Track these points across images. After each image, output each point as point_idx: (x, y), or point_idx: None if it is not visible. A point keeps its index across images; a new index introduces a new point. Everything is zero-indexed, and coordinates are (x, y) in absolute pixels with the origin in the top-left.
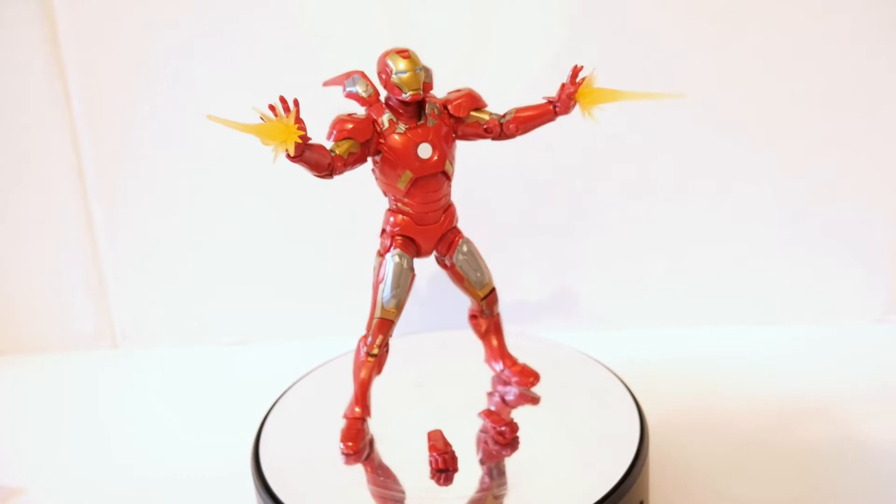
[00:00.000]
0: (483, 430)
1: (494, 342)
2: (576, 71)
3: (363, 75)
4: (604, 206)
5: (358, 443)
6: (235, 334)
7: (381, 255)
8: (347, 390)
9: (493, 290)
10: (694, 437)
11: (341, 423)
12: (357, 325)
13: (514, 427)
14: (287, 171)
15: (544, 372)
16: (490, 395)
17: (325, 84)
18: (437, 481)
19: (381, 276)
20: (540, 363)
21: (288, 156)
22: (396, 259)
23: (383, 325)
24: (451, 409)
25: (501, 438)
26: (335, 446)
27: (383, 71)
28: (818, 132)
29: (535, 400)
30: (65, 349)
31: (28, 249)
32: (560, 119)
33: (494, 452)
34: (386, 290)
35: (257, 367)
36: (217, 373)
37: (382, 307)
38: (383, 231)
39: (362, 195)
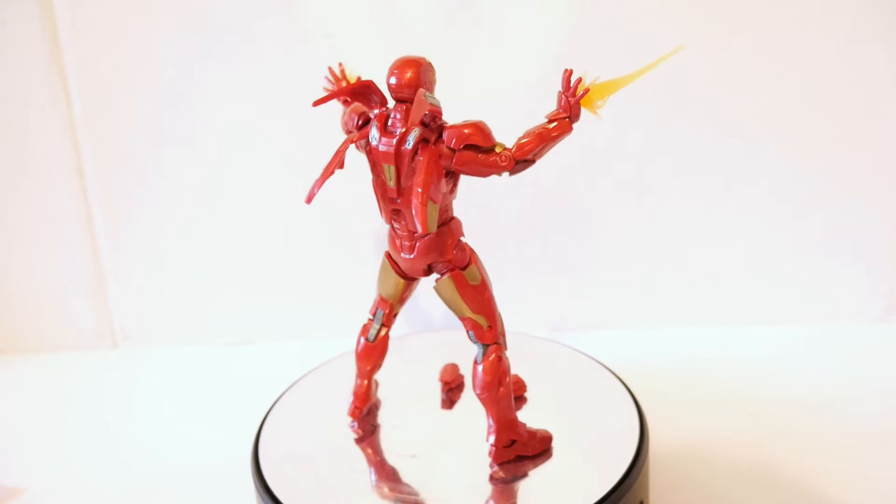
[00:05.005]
0: None
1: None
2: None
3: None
4: (604, 207)
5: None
6: (235, 334)
7: (469, 264)
8: (347, 390)
9: None
10: (694, 436)
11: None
12: (357, 324)
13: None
14: (286, 172)
15: (545, 372)
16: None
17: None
18: None
19: (484, 282)
20: (540, 363)
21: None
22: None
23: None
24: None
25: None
26: (334, 446)
27: (432, 78)
28: (818, 132)
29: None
30: (65, 349)
31: (28, 249)
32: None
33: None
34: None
35: (257, 367)
36: (217, 373)
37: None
38: (458, 243)
39: (362, 196)
